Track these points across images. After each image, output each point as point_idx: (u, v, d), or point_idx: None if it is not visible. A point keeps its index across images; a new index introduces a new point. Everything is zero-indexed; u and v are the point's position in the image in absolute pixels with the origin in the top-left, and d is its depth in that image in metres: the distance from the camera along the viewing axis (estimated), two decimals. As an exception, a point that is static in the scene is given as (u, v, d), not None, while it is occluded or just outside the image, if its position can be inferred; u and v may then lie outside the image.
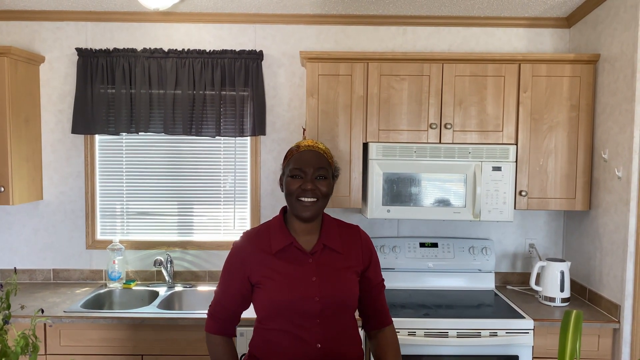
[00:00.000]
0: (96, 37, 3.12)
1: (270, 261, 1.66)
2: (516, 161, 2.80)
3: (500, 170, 2.75)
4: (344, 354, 1.68)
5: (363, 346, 1.82)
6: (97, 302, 2.92)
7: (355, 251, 1.74)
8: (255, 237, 1.72)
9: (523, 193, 2.81)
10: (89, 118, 3.05)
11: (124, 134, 3.13)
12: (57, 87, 3.13)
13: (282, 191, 1.70)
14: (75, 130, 3.06)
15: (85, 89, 3.04)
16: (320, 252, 1.69)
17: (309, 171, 1.63)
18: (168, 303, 2.91)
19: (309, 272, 1.65)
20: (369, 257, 1.77)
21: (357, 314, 1.81)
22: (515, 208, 2.80)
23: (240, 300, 1.72)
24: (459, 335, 2.52)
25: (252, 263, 1.67)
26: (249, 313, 1.78)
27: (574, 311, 1.26)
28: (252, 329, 1.75)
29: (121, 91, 3.04)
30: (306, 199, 1.63)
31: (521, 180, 2.81)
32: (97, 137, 3.19)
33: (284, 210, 1.76)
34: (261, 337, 1.70)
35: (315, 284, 1.64)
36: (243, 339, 2.48)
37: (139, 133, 3.10)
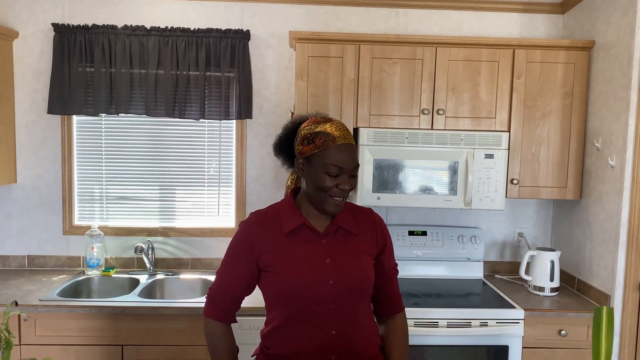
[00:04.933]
0: (74, 12, 2.96)
1: (281, 242, 1.58)
2: (509, 149, 2.75)
3: (493, 157, 2.70)
4: (360, 341, 1.60)
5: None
6: (75, 290, 2.80)
7: (369, 234, 1.67)
8: (265, 217, 1.63)
9: (515, 181, 2.76)
10: (66, 98, 2.91)
11: (103, 115, 3.00)
12: (32, 64, 2.97)
13: (302, 176, 1.59)
14: (51, 110, 2.92)
15: (62, 67, 2.89)
16: (333, 234, 1.61)
17: (347, 170, 1.55)
18: (149, 291, 2.81)
19: (322, 253, 1.58)
20: (384, 241, 1.70)
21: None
22: (506, 196, 2.76)
23: (245, 285, 1.63)
24: (449, 325, 2.47)
25: (261, 244, 1.58)
26: (247, 302, 1.69)
27: (604, 308, 1.21)
28: (249, 318, 1.65)
29: (100, 70, 2.90)
30: (339, 198, 1.55)
31: (513, 168, 2.77)
32: (75, 118, 3.04)
33: (292, 193, 1.67)
34: (272, 325, 1.61)
35: (329, 266, 1.56)
36: (239, 329, 2.39)
37: (119, 114, 2.96)
